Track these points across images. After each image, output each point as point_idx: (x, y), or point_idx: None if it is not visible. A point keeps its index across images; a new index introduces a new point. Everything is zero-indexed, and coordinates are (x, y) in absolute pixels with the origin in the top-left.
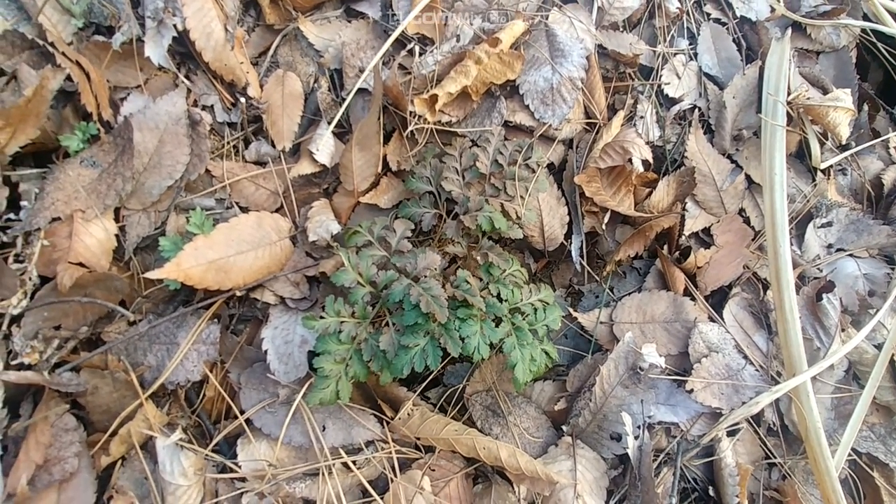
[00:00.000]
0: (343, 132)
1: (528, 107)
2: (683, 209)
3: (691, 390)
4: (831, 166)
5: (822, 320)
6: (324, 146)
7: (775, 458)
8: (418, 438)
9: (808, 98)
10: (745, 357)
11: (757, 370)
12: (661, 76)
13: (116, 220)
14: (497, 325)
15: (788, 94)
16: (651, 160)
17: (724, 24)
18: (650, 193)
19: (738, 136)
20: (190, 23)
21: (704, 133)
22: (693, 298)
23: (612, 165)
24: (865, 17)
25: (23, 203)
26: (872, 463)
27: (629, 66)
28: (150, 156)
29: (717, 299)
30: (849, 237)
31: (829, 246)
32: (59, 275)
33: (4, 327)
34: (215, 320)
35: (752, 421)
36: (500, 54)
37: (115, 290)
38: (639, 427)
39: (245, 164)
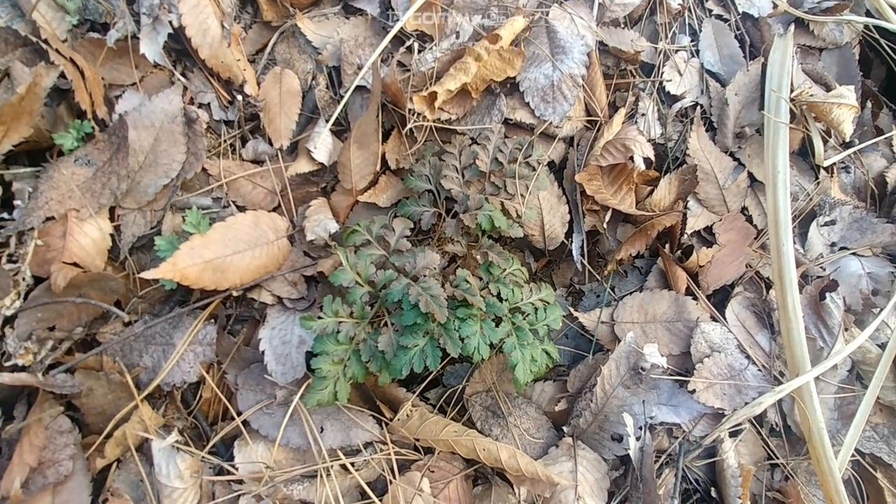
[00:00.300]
0: (341, 130)
1: (528, 104)
2: (685, 207)
3: (693, 391)
4: (834, 164)
5: (826, 319)
6: (322, 144)
7: (778, 458)
8: (417, 440)
9: (812, 95)
10: (748, 357)
11: (759, 370)
12: (662, 73)
13: (111, 219)
14: (497, 325)
15: (791, 90)
16: (653, 158)
17: (726, 20)
18: (652, 192)
19: (740, 134)
20: (186, 19)
21: (706, 130)
22: (695, 298)
23: (613, 163)
24: (868, 14)
25: (16, 202)
26: (876, 463)
27: (630, 63)
28: (145, 154)
29: (720, 298)
30: (852, 235)
31: (833, 244)
32: (53, 275)
33: None
34: (212, 321)
35: (754, 421)
36: (500, 51)
37: (111, 291)
38: (640, 428)
39: (242, 163)
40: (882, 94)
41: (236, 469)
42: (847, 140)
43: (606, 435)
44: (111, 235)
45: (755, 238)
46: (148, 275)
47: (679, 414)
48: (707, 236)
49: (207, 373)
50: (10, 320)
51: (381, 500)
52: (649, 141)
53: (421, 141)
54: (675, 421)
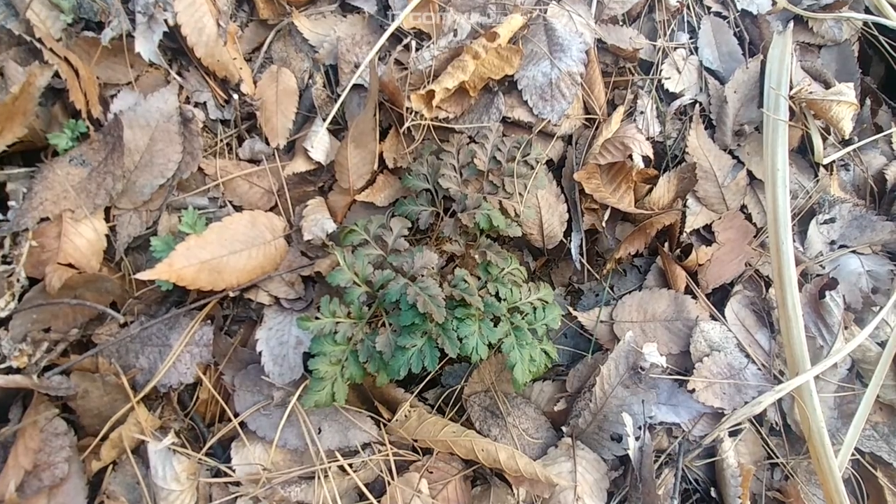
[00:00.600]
0: (338, 129)
1: (526, 102)
2: (684, 206)
3: (693, 390)
4: (834, 161)
5: (825, 318)
6: (319, 143)
7: (778, 458)
8: (416, 440)
9: (811, 92)
10: (748, 356)
11: (759, 369)
12: (661, 71)
13: (107, 219)
14: (496, 325)
15: (790, 88)
16: (651, 156)
17: (724, 17)
18: (651, 190)
19: (739, 132)
20: (181, 18)
21: (705, 128)
22: (694, 296)
23: (611, 162)
24: (867, 11)
25: (10, 203)
26: (876, 462)
27: (629, 61)
28: (140, 154)
29: (719, 297)
30: (852, 233)
31: (832, 242)
32: (47, 276)
33: None
34: (208, 321)
35: (754, 420)
36: (498, 49)
37: (106, 292)
38: (640, 428)
39: (238, 162)
40: (881, 91)
41: (233, 471)
42: (846, 137)
43: (606, 435)
44: (106, 236)
45: (754, 236)
46: (144, 275)
47: (678, 413)
48: (706, 235)
49: (204, 374)
50: (4, 322)
51: (379, 502)
52: (648, 139)
53: (419, 140)
54: (675, 420)
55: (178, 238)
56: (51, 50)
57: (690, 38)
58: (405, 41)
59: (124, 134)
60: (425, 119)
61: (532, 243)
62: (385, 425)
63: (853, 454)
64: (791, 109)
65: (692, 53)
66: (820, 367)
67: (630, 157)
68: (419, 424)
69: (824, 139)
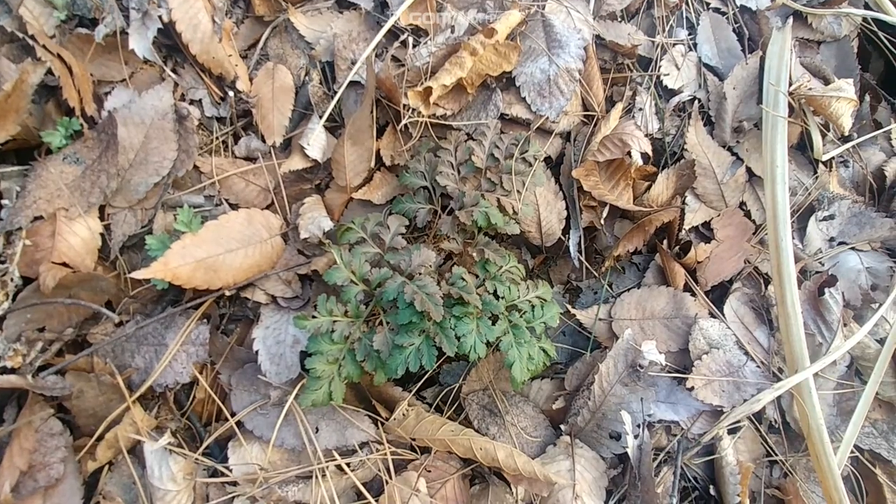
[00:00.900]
0: (335, 126)
1: (524, 99)
2: (683, 203)
3: (692, 388)
4: (833, 158)
5: (824, 315)
6: (315, 141)
7: (777, 455)
8: (414, 439)
9: (810, 89)
10: (747, 353)
11: (758, 366)
12: (660, 67)
13: (101, 218)
14: (494, 323)
15: (790, 84)
16: (650, 153)
17: (723, 13)
18: (649, 187)
19: (738, 128)
20: (176, 14)
21: (704, 125)
22: (693, 294)
23: (610, 159)
24: (866, 6)
25: (4, 202)
26: (875, 460)
27: (627, 57)
28: (135, 152)
29: (718, 294)
30: (851, 230)
31: (831, 239)
32: (41, 275)
33: None
34: (205, 320)
35: (753, 418)
36: (496, 45)
37: (101, 291)
38: (638, 426)
39: (234, 160)
40: (880, 87)
41: (230, 471)
42: (846, 134)
43: (604, 433)
44: (101, 235)
45: (753, 233)
46: (139, 274)
47: (677, 411)
48: (705, 232)
49: (200, 373)
50: None
51: (377, 501)
52: (647, 136)
53: (416, 137)
54: (674, 418)
55: (174, 236)
56: (44, 47)
57: (689, 35)
58: (402, 38)
59: (119, 132)
60: (422, 116)
61: (530, 241)
62: (383, 424)
63: (852, 451)
64: (790, 106)
65: (691, 50)
66: (819, 365)
67: (629, 153)
68: (417, 423)
69: (823, 136)
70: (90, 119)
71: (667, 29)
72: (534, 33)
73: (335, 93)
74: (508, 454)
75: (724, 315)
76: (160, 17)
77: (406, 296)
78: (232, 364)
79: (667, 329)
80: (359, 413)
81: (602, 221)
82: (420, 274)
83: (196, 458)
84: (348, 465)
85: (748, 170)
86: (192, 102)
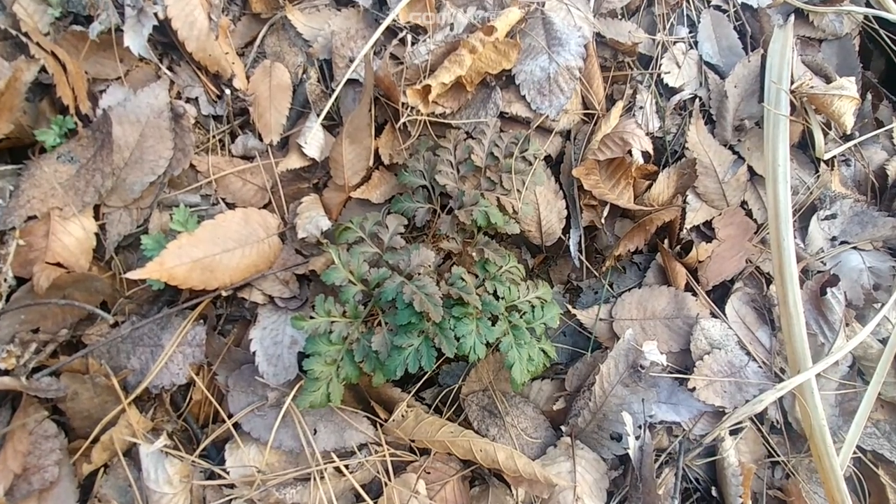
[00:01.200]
0: (333, 125)
1: (524, 97)
2: (684, 202)
3: (693, 388)
4: (835, 157)
5: (826, 315)
6: (313, 139)
7: (779, 456)
8: (413, 441)
9: (812, 87)
10: (748, 353)
11: (760, 367)
12: (660, 65)
13: (96, 217)
14: (493, 324)
15: (791, 82)
16: (651, 152)
17: (724, 11)
18: (650, 186)
19: (739, 127)
20: (171, 11)
21: (705, 123)
22: (695, 294)
23: (611, 157)
24: (868, 4)
25: None
26: (877, 460)
27: (628, 55)
28: (130, 150)
29: (719, 294)
30: (853, 229)
31: (833, 239)
32: (35, 276)
33: None
34: (201, 321)
35: (755, 419)
36: (496, 43)
37: (96, 291)
38: (640, 427)
39: (231, 159)
40: (882, 85)
41: (227, 473)
42: (848, 132)
43: (605, 434)
44: (96, 234)
45: (755, 233)
46: (134, 275)
47: (679, 412)
48: (706, 231)
49: (197, 374)
50: None
51: (375, 503)
52: (647, 134)
53: (415, 135)
54: (675, 419)
55: (170, 236)
56: (38, 44)
57: (690, 32)
58: (401, 35)
59: (114, 130)
60: (421, 114)
61: (530, 240)
62: (381, 426)
63: (855, 452)
64: (792, 104)
65: (692, 47)
66: (821, 365)
67: (629, 152)
68: (416, 424)
69: (825, 134)
70: (85, 117)
71: (667, 27)
72: (534, 31)
73: (333, 91)
74: (508, 455)
75: (725, 315)
76: (155, 14)
77: (405, 296)
78: (229, 365)
79: (668, 329)
80: (357, 414)
81: (602, 221)
82: (419, 274)
83: (193, 461)
84: (347, 466)
85: (749, 169)
86: (188, 101)
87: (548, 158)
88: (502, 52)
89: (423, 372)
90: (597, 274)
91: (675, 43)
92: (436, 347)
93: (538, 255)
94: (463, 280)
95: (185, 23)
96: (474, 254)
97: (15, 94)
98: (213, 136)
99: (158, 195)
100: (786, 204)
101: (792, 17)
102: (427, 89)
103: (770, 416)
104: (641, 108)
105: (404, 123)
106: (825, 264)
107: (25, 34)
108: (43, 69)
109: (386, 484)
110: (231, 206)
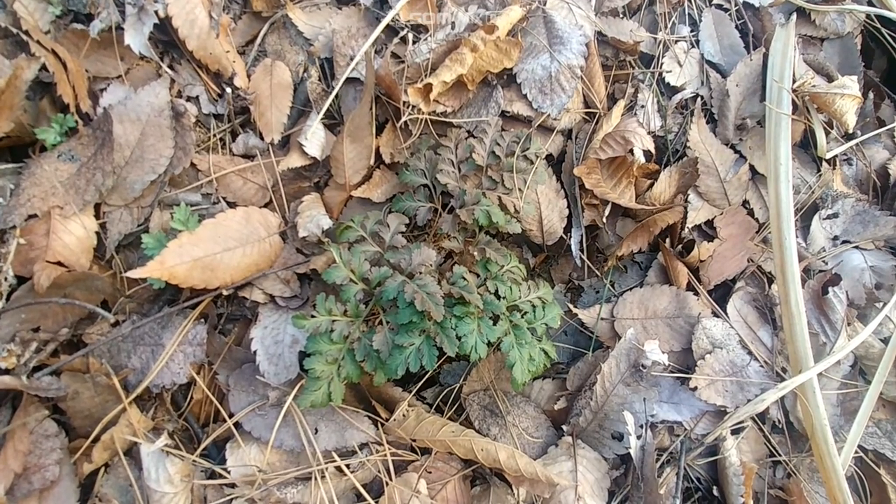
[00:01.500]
0: (334, 123)
1: (525, 96)
2: (686, 201)
3: (695, 388)
4: (837, 156)
5: (828, 314)
6: (314, 138)
7: (780, 455)
8: (414, 440)
9: (814, 86)
10: (750, 353)
11: (762, 366)
12: (662, 64)
13: (97, 216)
14: (495, 323)
15: (793, 81)
16: (652, 150)
17: (726, 10)
18: (652, 185)
19: (741, 126)
20: (172, 9)
21: (707, 122)
22: (696, 293)
23: (612, 156)
24: (870, 3)
25: None
26: (879, 460)
27: (629, 54)
28: (131, 149)
29: (721, 294)
30: (855, 229)
31: (835, 238)
32: (36, 275)
33: None
34: (202, 320)
35: (756, 418)
36: (497, 42)
37: (96, 290)
38: (641, 426)
39: (232, 158)
40: (884, 84)
41: (228, 472)
42: (850, 132)
43: (607, 433)
44: (96, 233)
45: (757, 232)
46: (135, 273)
47: (680, 411)
48: (708, 230)
49: (198, 374)
50: None
51: (377, 502)
52: (649, 133)
53: (416, 134)
54: (677, 419)
55: (171, 235)
56: (38, 42)
57: (692, 31)
58: (402, 34)
59: (114, 129)
60: (423, 113)
61: (531, 240)
62: (383, 425)
63: (856, 452)
64: (794, 103)
65: (693, 46)
66: (823, 365)
67: (631, 151)
68: (417, 424)
69: (827, 133)
70: (85, 116)
71: (669, 25)
72: (535, 29)
73: (334, 89)
74: (510, 455)
75: (727, 314)
76: (156, 12)
77: (406, 295)
78: (230, 364)
79: (669, 328)
80: (358, 414)
81: (604, 220)
82: (420, 273)
83: (193, 460)
84: (348, 466)
85: (751, 168)
86: (188, 99)
87: (549, 157)
88: (504, 50)
89: (424, 371)
90: (598, 273)
91: (676, 42)
92: (437, 347)
93: (539, 255)
94: (464, 279)
95: (185, 21)
96: (476, 253)
97: (15, 93)
98: (214, 135)
99: (159, 194)
100: (787, 203)
101: (794, 16)
102: (428, 88)
103: (772, 415)
104: (643, 106)
105: (405, 122)
106: (827, 263)
107: (26, 32)
108: (43, 67)
109: (387, 483)
110: (232, 204)
